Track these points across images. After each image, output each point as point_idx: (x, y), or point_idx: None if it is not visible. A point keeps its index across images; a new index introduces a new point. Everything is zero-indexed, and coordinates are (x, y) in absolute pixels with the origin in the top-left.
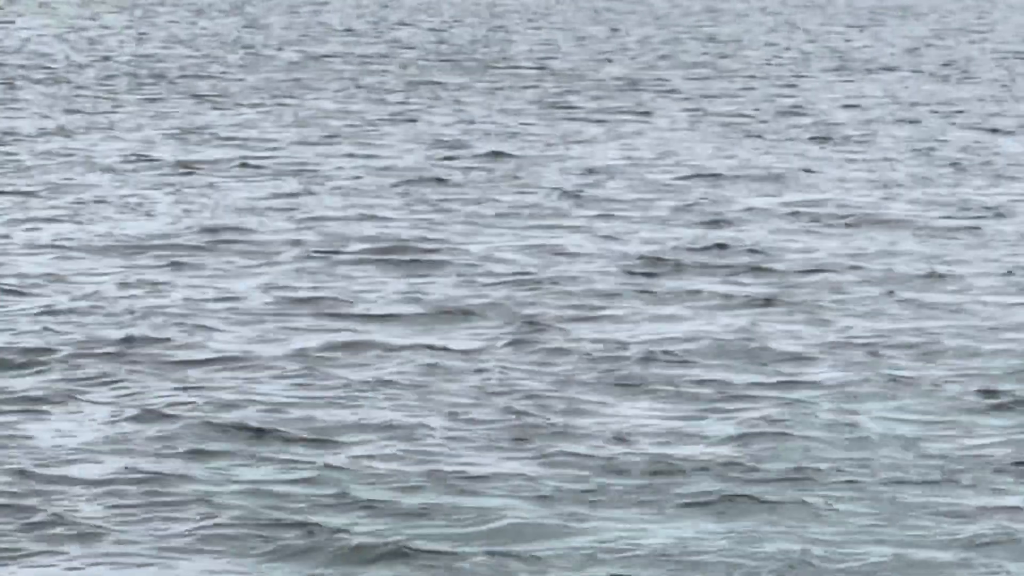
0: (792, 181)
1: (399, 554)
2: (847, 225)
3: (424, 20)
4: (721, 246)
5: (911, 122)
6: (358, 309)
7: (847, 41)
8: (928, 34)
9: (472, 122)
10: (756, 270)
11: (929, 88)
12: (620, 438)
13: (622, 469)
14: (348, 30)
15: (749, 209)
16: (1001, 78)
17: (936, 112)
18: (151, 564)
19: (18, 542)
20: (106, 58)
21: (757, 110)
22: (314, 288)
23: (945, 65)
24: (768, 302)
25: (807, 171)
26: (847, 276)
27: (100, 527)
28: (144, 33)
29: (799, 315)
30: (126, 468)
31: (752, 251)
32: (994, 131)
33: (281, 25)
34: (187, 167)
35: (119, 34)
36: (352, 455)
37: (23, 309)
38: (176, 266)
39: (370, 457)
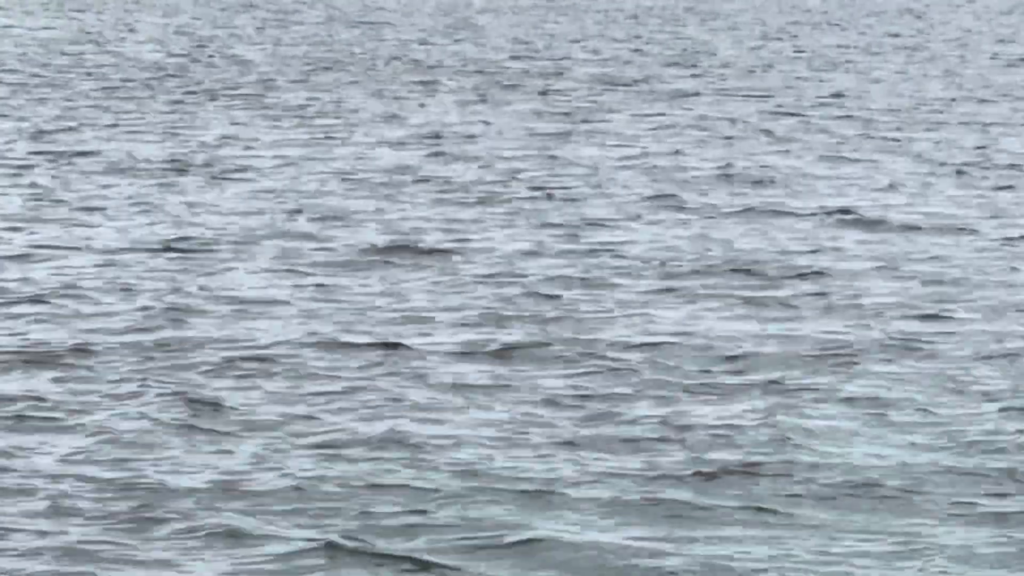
0: (792, 181)
1: (434, 567)
2: (857, 225)
3: (400, 20)
4: (737, 248)
5: (912, 122)
6: (370, 311)
7: (834, 39)
8: (911, 33)
9: (469, 121)
10: (770, 272)
11: (924, 87)
12: (657, 441)
13: (671, 476)
14: (331, 31)
15: (753, 210)
16: (992, 76)
17: (934, 111)
18: (157, 564)
19: (35, 541)
20: (91, 58)
21: (761, 110)
22: (325, 289)
23: (933, 64)
24: (782, 303)
25: (807, 171)
26: (867, 277)
27: (111, 528)
28: (122, 33)
29: (813, 317)
30: (136, 468)
31: (763, 254)
32: (991, 131)
33: (258, 24)
34: (182, 168)
35: (102, 33)
36: (385, 462)
37: (23, 311)
38: (179, 268)
39: (402, 465)
